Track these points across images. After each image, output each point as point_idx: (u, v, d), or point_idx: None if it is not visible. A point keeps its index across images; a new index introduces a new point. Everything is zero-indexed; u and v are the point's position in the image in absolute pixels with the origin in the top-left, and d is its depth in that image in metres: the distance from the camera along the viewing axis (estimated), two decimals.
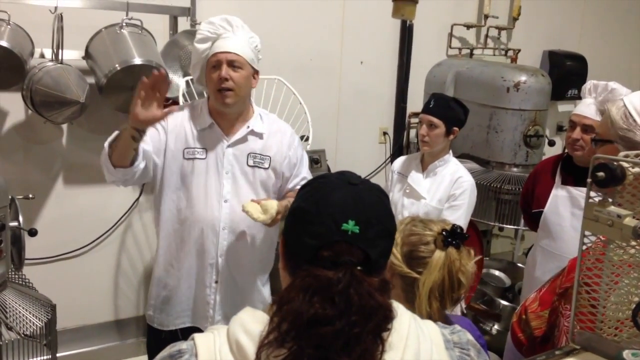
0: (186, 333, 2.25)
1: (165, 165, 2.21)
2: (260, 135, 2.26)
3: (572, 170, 2.53)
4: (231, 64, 2.12)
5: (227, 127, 2.23)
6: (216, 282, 2.26)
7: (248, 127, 2.24)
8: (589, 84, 2.48)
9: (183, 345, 1.01)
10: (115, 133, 2.03)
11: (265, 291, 2.41)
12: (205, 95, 2.27)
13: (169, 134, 2.20)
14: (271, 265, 2.43)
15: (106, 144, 2.05)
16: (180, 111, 2.26)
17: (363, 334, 0.91)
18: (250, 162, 2.24)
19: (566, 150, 2.61)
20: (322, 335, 0.90)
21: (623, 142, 1.55)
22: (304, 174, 2.39)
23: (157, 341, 2.35)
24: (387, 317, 0.95)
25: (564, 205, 2.50)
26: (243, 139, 2.23)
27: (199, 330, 1.07)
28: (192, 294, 2.29)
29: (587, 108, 2.45)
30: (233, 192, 2.21)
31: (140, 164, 2.09)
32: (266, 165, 2.25)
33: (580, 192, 2.45)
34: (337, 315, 0.90)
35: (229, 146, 2.22)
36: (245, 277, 2.32)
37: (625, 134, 1.55)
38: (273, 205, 2.11)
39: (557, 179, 2.56)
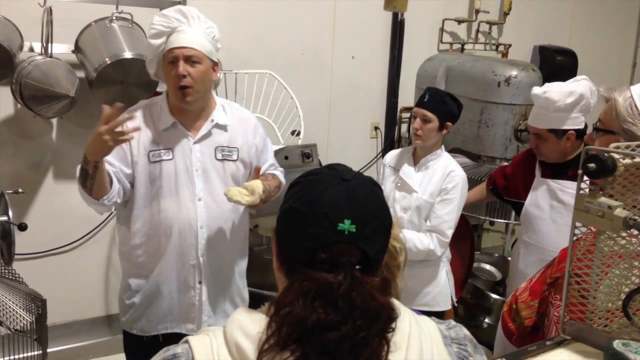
0: (169, 339, 2.17)
1: (133, 173, 2.13)
2: (224, 128, 2.19)
3: (549, 163, 2.58)
4: (189, 60, 2.02)
5: (190, 123, 2.15)
6: (200, 282, 2.20)
7: (212, 120, 2.16)
8: (531, 93, 2.52)
9: (178, 349, 0.98)
10: (83, 174, 1.96)
11: (242, 283, 2.37)
12: (165, 92, 2.19)
13: (131, 140, 2.09)
14: (247, 254, 2.39)
15: (80, 189, 2.01)
16: (137, 112, 2.16)
17: (369, 337, 0.90)
18: (219, 156, 2.18)
19: None
20: (327, 341, 0.88)
21: (625, 135, 1.52)
22: (271, 161, 2.36)
23: (138, 345, 2.27)
24: (391, 317, 0.93)
25: (544, 198, 2.55)
26: (208, 134, 2.16)
27: (183, 337, 1.03)
28: (174, 298, 2.21)
29: (532, 117, 2.53)
30: (206, 190, 2.15)
31: (115, 183, 2.05)
32: (234, 157, 2.20)
33: (557, 185, 2.51)
34: (342, 320, 0.89)
35: (195, 143, 2.14)
36: (227, 272, 2.28)
37: (629, 127, 1.52)
38: (258, 184, 2.05)
39: (537, 172, 2.60)
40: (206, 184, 2.16)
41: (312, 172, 1.02)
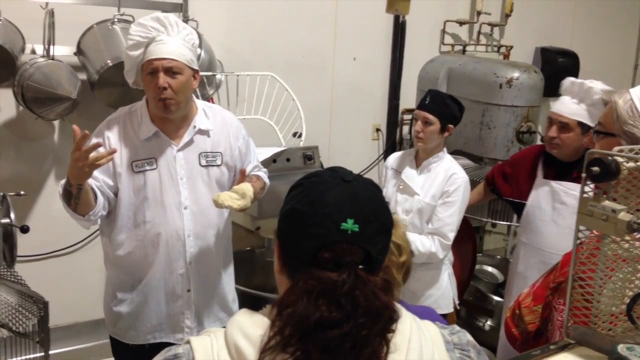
0: (155, 347, 2.13)
1: (117, 185, 2.10)
2: (207, 133, 2.16)
3: (553, 164, 2.56)
4: (169, 71, 1.98)
5: (172, 131, 2.12)
6: (188, 290, 2.18)
7: (194, 126, 2.13)
8: (566, 82, 2.50)
9: (179, 349, 0.99)
10: (67, 194, 1.96)
11: (230, 287, 2.36)
12: (145, 100, 2.15)
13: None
14: (232, 257, 2.38)
15: (65, 205, 2.00)
16: (117, 123, 2.13)
17: (370, 335, 0.90)
18: (203, 162, 2.15)
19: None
20: (329, 339, 0.89)
21: (626, 137, 1.52)
22: (255, 162, 2.34)
23: (125, 351, 2.26)
24: (392, 317, 0.94)
25: (546, 199, 2.53)
26: (191, 141, 2.13)
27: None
28: (162, 307, 2.18)
29: (563, 106, 2.47)
30: (191, 198, 2.13)
31: (100, 198, 2.04)
32: (219, 162, 2.18)
33: (560, 186, 2.49)
34: (344, 318, 0.89)
35: (178, 151, 2.11)
36: (215, 277, 2.27)
37: (630, 129, 1.52)
38: (248, 187, 2.02)
39: (539, 172, 2.58)
40: (191, 191, 2.13)
41: (313, 174, 1.03)
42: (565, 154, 2.49)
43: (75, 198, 1.95)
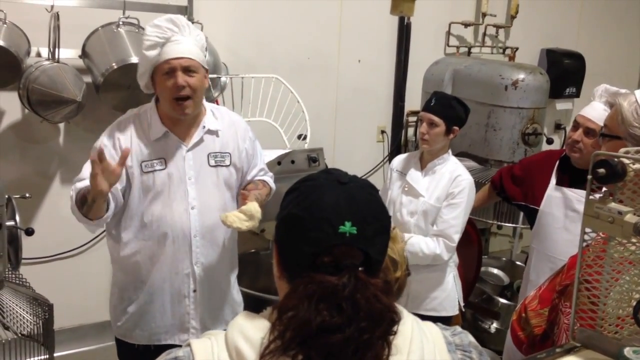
0: (162, 350, 2.16)
1: (126, 186, 2.11)
2: (216, 133, 2.18)
3: (568, 171, 2.52)
4: (186, 70, 2.02)
5: (182, 131, 2.13)
6: (194, 291, 2.19)
7: (204, 127, 2.15)
8: (601, 88, 2.43)
9: (179, 352, 0.99)
10: (83, 199, 1.96)
11: (235, 288, 2.36)
12: (154, 101, 2.17)
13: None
14: (237, 261, 2.39)
15: (74, 207, 2.00)
16: (127, 124, 2.14)
17: (373, 339, 0.90)
18: (212, 162, 2.16)
19: (564, 148, 2.60)
20: (331, 343, 0.89)
21: (632, 140, 1.52)
22: (261, 165, 2.34)
23: (131, 353, 2.26)
24: (394, 320, 0.94)
25: (558, 206, 2.48)
26: (200, 141, 2.15)
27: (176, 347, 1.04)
28: (167, 308, 2.19)
29: (593, 111, 2.40)
30: (199, 198, 2.14)
31: (112, 204, 2.04)
32: (227, 163, 2.19)
33: (574, 194, 2.43)
34: (346, 322, 0.89)
35: (188, 151, 2.13)
36: (221, 279, 2.27)
37: (635, 131, 1.52)
38: (256, 208, 2.03)
39: (553, 179, 2.54)
40: (199, 191, 2.14)
41: (309, 177, 1.03)
42: (585, 160, 2.42)
43: (89, 206, 1.95)
